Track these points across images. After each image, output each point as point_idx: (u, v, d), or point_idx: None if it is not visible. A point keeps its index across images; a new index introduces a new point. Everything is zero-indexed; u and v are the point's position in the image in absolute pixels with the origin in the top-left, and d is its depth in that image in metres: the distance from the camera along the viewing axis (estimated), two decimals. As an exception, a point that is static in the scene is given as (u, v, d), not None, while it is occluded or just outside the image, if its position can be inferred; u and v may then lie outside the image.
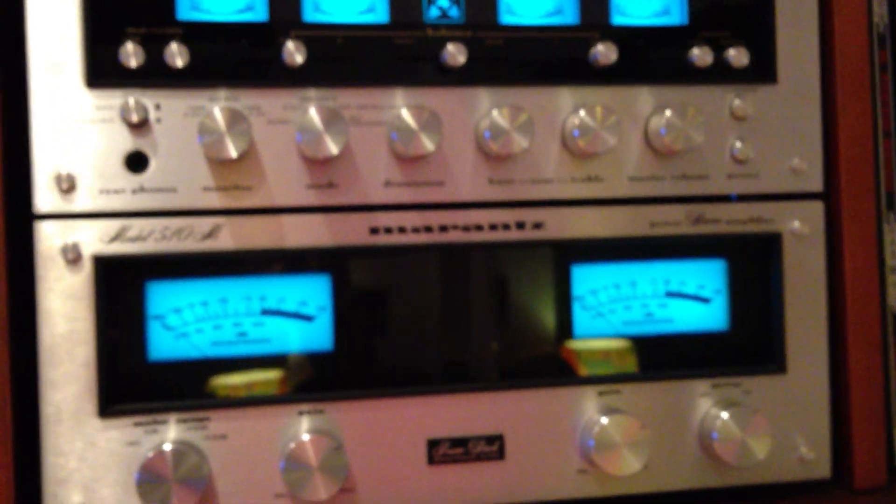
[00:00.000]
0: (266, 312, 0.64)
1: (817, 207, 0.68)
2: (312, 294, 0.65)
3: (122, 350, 0.61)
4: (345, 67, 0.63)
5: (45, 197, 0.59)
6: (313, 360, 0.64)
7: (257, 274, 0.64)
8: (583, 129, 0.63)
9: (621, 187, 0.66)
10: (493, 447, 0.65)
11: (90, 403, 0.59)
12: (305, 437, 0.61)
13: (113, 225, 0.60)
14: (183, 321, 0.63)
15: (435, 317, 0.65)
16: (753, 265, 0.69)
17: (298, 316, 0.65)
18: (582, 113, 0.63)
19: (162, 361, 0.63)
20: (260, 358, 0.64)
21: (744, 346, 0.69)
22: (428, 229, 0.64)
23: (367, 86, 0.63)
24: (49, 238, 0.59)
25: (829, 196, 0.69)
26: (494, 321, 0.66)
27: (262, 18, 0.62)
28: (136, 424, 0.60)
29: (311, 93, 0.62)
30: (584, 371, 0.67)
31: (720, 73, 0.67)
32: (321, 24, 0.63)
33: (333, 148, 0.59)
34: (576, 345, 0.67)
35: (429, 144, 0.60)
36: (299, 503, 0.61)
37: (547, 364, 0.67)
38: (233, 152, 0.57)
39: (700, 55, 0.66)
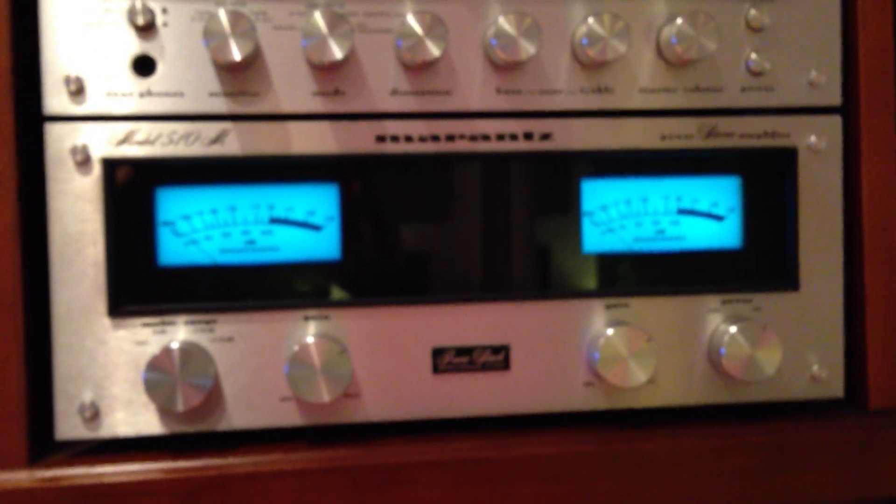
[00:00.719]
0: (274, 221, 0.65)
1: (835, 122, 0.67)
2: (320, 203, 0.65)
3: (132, 254, 0.62)
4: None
5: (54, 99, 0.60)
6: (321, 268, 0.65)
7: (266, 182, 0.64)
8: (592, 36, 0.62)
9: (632, 99, 0.65)
10: (498, 357, 0.65)
11: (100, 303, 0.61)
12: (309, 339, 0.61)
13: (121, 128, 0.60)
14: (192, 228, 0.64)
15: (441, 227, 0.65)
16: (768, 181, 0.67)
17: (306, 225, 0.65)
18: (591, 20, 0.62)
19: (172, 266, 0.63)
20: (268, 266, 0.64)
21: (757, 265, 0.68)
22: (435, 138, 0.63)
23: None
24: (58, 140, 0.60)
25: (848, 110, 0.67)
26: (501, 233, 0.66)
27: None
28: (145, 325, 0.61)
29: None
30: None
31: (737, -18, 0.65)
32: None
33: (338, 52, 0.59)
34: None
35: (434, 50, 0.60)
36: (304, 406, 0.62)
37: (555, 277, 0.67)
38: (237, 55, 0.58)
39: (716, -37, 0.64)
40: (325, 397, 0.61)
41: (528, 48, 0.61)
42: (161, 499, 0.58)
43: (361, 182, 0.65)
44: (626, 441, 0.64)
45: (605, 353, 0.64)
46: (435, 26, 0.60)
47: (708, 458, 0.63)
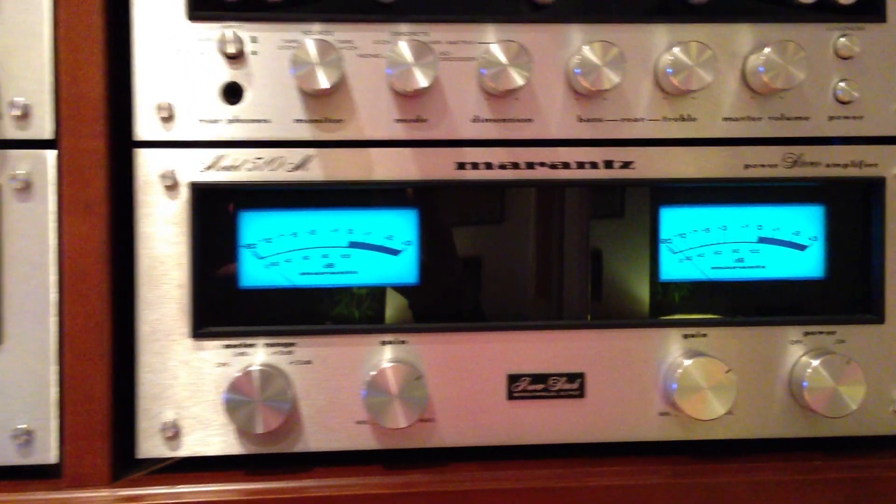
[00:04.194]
0: (353, 245, 0.65)
1: (924, 152, 0.65)
2: (399, 228, 0.65)
3: (215, 275, 0.63)
4: (436, 3, 0.62)
5: (145, 125, 0.61)
6: (398, 292, 0.65)
7: (345, 207, 0.65)
8: (677, 65, 0.61)
9: (715, 128, 0.65)
10: (573, 385, 0.65)
11: (183, 324, 0.62)
12: (387, 364, 0.62)
13: (208, 153, 0.61)
14: (273, 251, 0.65)
15: (518, 254, 0.65)
16: (852, 210, 0.66)
17: (385, 249, 0.66)
18: (676, 50, 0.61)
19: (252, 288, 0.64)
20: (346, 289, 0.65)
21: (841, 295, 0.67)
22: (515, 166, 0.63)
23: (458, 21, 0.62)
24: (148, 165, 0.61)
25: (937, 141, 0.65)
26: (578, 260, 0.66)
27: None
28: (226, 346, 0.62)
29: (403, 27, 0.62)
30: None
31: (825, 11, 0.64)
32: (413, -41, 0.63)
33: (423, 80, 0.59)
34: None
35: (518, 79, 0.60)
36: (379, 430, 0.63)
37: (631, 305, 0.66)
38: (324, 82, 0.58)
39: (804, -9, 0.63)
40: (402, 422, 0.61)
41: (612, 78, 0.60)
42: None
43: (441, 208, 0.65)
44: (701, 474, 0.63)
45: (683, 383, 0.63)
46: (520, 55, 0.60)
47: (786, 494, 0.62)
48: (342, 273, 0.65)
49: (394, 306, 0.65)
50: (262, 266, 0.65)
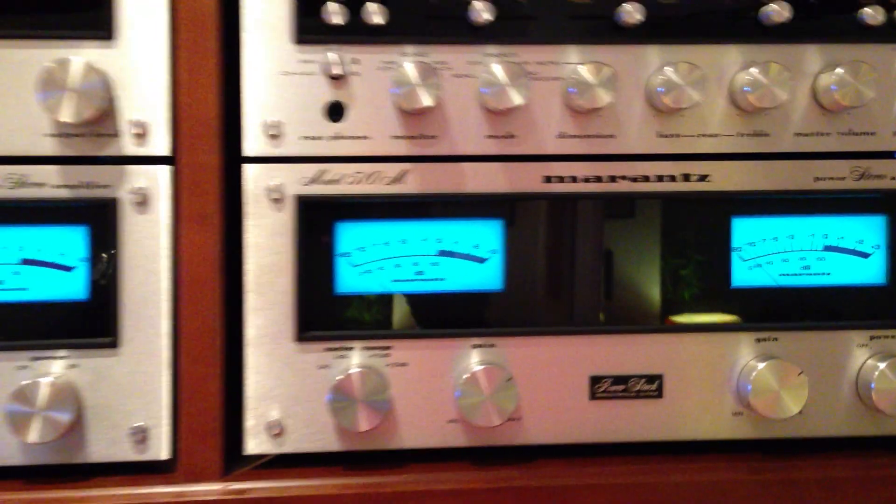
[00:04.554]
0: (442, 253, 0.69)
1: (985, 166, 0.69)
2: (485, 238, 0.69)
3: (314, 282, 0.67)
4: (524, 25, 0.66)
5: (253, 142, 0.65)
6: (484, 298, 0.69)
7: (435, 217, 0.69)
8: (755, 85, 0.65)
9: (787, 142, 0.68)
10: (652, 386, 0.68)
11: (288, 328, 0.66)
12: (480, 367, 0.65)
13: (312, 168, 0.66)
14: (367, 259, 0.69)
15: (598, 262, 0.69)
16: (916, 221, 0.70)
17: (471, 258, 0.70)
18: (754, 70, 0.65)
19: (347, 294, 0.68)
20: (435, 295, 0.69)
21: (903, 301, 0.71)
22: (598, 179, 0.67)
23: (545, 43, 0.66)
24: (256, 179, 0.65)
25: None
26: (654, 268, 0.70)
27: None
28: (327, 349, 0.66)
29: (494, 49, 0.66)
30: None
31: (891, 32, 0.67)
32: (501, -15, 0.66)
33: (517, 99, 0.63)
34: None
35: (606, 97, 0.64)
36: (469, 428, 0.67)
37: (705, 310, 0.70)
38: (427, 101, 0.62)
39: (871, 14, 0.67)
40: (495, 421, 0.65)
41: (693, 96, 0.64)
42: None
43: (526, 218, 0.69)
44: (776, 470, 0.67)
45: (758, 385, 0.67)
46: (606, 75, 0.64)
47: (858, 489, 0.66)
48: (432, 280, 0.69)
49: (481, 311, 0.69)
50: (356, 273, 0.69)
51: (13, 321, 0.65)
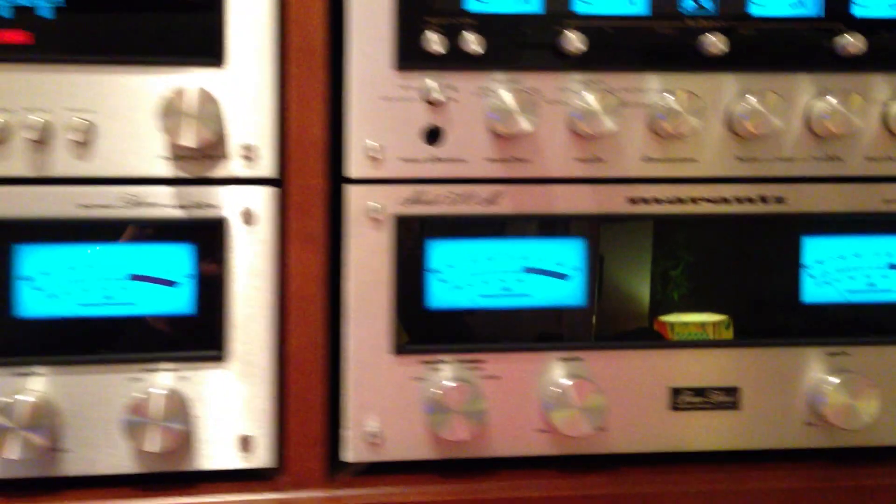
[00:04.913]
0: (528, 270, 0.73)
1: None
2: (568, 256, 0.73)
3: (408, 298, 0.70)
4: (611, 54, 0.70)
5: (355, 164, 0.68)
6: (568, 314, 0.73)
7: (521, 236, 0.72)
8: (832, 112, 0.69)
9: (858, 166, 0.72)
10: (730, 398, 0.72)
11: (386, 342, 0.69)
12: (569, 381, 0.69)
13: (411, 190, 0.69)
14: (456, 275, 0.72)
15: (678, 279, 0.73)
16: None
17: (555, 274, 0.73)
18: (831, 99, 0.69)
19: (438, 309, 0.72)
20: (521, 310, 0.72)
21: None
22: (680, 200, 0.71)
23: (631, 71, 0.70)
24: (358, 200, 0.68)
25: None
26: (730, 285, 0.73)
27: (536, 10, 0.70)
28: (423, 362, 0.70)
29: (581, 76, 0.69)
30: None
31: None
32: (590, 16, 0.70)
33: (609, 124, 0.67)
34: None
35: (694, 122, 0.67)
36: (557, 437, 0.70)
37: (778, 325, 0.74)
38: (526, 126, 0.66)
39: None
40: (586, 431, 0.68)
41: (776, 123, 0.68)
42: None
43: (608, 237, 0.72)
44: (849, 478, 0.70)
45: (833, 398, 0.70)
46: (694, 103, 0.67)
47: (926, 497, 0.69)
48: (518, 295, 0.72)
49: (565, 326, 0.73)
50: (446, 289, 0.72)
51: (123, 334, 0.68)
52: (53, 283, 0.68)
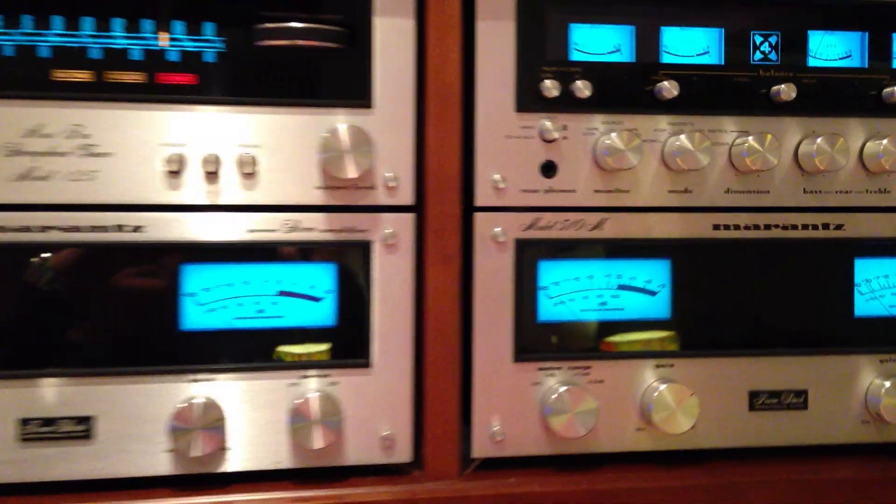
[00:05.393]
0: (621, 287, 0.83)
1: None
2: (656, 274, 0.83)
3: (524, 312, 0.80)
4: (694, 99, 0.81)
5: (482, 194, 0.78)
6: (654, 325, 0.83)
7: (616, 258, 0.82)
8: (886, 152, 0.81)
9: (904, 198, 0.84)
10: (800, 399, 0.83)
11: (507, 351, 0.79)
12: (664, 385, 0.79)
13: (529, 217, 0.79)
14: (561, 291, 0.82)
15: (751, 294, 0.84)
16: None
17: (644, 291, 0.84)
18: (886, 142, 0.81)
19: (546, 322, 0.82)
20: (617, 322, 0.83)
21: None
22: (756, 227, 0.82)
23: (712, 114, 0.81)
24: (485, 226, 0.78)
25: None
26: (798, 300, 0.84)
27: (628, 59, 0.81)
28: (539, 369, 0.79)
29: (671, 119, 0.80)
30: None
31: None
32: (676, 65, 0.81)
33: (704, 161, 0.78)
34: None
35: (773, 160, 0.79)
36: (654, 435, 0.80)
37: (836, 336, 0.85)
38: (634, 161, 0.76)
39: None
40: (683, 429, 0.79)
41: (840, 161, 0.80)
42: None
43: (692, 259, 0.83)
44: (904, 468, 0.81)
45: (886, 399, 0.82)
46: (772, 143, 0.79)
47: (971, 482, 0.81)
48: (613, 310, 0.83)
49: (654, 336, 0.83)
50: (552, 304, 0.82)
51: (277, 345, 0.76)
52: (212, 299, 0.76)
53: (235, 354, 0.75)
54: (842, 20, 0.82)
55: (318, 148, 0.73)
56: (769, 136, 0.79)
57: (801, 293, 0.84)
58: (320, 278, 0.77)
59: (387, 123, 0.76)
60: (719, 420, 0.81)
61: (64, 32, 0.73)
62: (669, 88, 0.79)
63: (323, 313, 0.78)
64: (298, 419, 0.73)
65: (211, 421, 0.72)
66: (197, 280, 0.75)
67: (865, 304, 0.86)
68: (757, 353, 0.83)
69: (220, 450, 0.73)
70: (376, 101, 0.76)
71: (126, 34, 0.73)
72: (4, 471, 0.71)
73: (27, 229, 0.71)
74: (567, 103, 0.79)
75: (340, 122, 0.75)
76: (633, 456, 0.81)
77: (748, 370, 0.82)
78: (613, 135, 0.77)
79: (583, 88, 0.78)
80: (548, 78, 0.78)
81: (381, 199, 0.76)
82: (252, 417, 0.74)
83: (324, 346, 0.77)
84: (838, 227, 0.83)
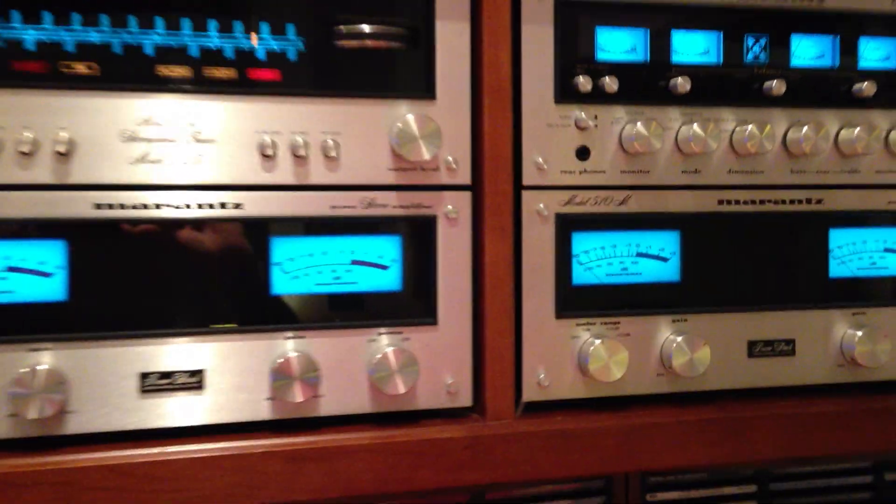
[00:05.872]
0: (639, 255, 0.98)
1: None
2: (668, 243, 0.98)
3: (563, 276, 0.93)
4: (699, 93, 0.96)
5: (528, 174, 0.91)
6: (666, 288, 0.97)
7: (634, 229, 0.97)
8: (858, 138, 0.97)
9: (871, 177, 1.00)
10: (789, 347, 0.99)
11: (550, 309, 0.92)
12: (680, 336, 0.94)
13: (567, 194, 0.92)
14: (589, 259, 0.96)
15: (749, 259, 0.99)
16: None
17: (659, 258, 0.98)
18: (857, 129, 0.97)
19: (579, 286, 0.95)
20: (634, 285, 0.97)
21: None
22: (753, 202, 0.97)
23: (709, 105, 0.96)
24: (530, 202, 0.91)
25: None
26: (787, 264, 1.00)
27: (642, 59, 0.95)
28: (577, 325, 0.93)
29: (683, 110, 0.95)
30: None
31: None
32: (684, 65, 0.96)
33: (713, 145, 0.92)
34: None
35: (768, 146, 0.94)
36: (674, 378, 0.94)
37: (817, 293, 1.01)
38: (658, 145, 0.90)
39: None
40: (699, 372, 0.93)
41: (822, 145, 0.95)
42: (605, 439, 0.89)
43: (699, 229, 0.98)
44: (876, 402, 0.98)
45: (859, 347, 0.98)
46: (769, 131, 0.94)
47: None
48: (633, 274, 0.97)
49: (665, 297, 0.98)
50: (582, 269, 0.96)
51: (352, 307, 0.88)
52: (294, 266, 0.87)
53: (319, 315, 0.86)
54: (816, 26, 0.98)
55: (394, 134, 0.85)
56: (768, 126, 0.94)
57: (788, 258, 0.99)
58: (387, 249, 0.89)
59: (447, 113, 0.88)
60: (724, 365, 0.96)
61: (166, 32, 0.82)
62: (683, 84, 0.93)
63: (390, 279, 0.89)
64: (381, 369, 0.85)
65: (308, 373, 0.83)
66: (283, 250, 0.86)
67: (838, 266, 1.02)
68: (753, 308, 0.98)
69: (314, 397, 0.84)
70: (439, 93, 0.88)
71: (220, 34, 0.84)
72: (129, 418, 0.80)
73: (144, 206, 0.81)
74: (597, 96, 0.92)
75: (408, 112, 0.86)
76: (654, 398, 0.95)
77: (746, 323, 0.97)
78: (639, 123, 0.91)
79: (611, 84, 0.91)
80: (581, 74, 0.91)
81: (444, 178, 0.88)
82: (338, 369, 0.85)
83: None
84: (818, 201, 0.99)
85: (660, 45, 0.95)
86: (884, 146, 1.00)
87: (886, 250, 1.04)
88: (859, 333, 0.98)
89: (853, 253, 1.03)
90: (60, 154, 0.78)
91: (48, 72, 0.79)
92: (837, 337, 1.00)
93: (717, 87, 0.96)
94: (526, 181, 0.90)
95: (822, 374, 0.99)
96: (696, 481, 1.16)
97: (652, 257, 0.97)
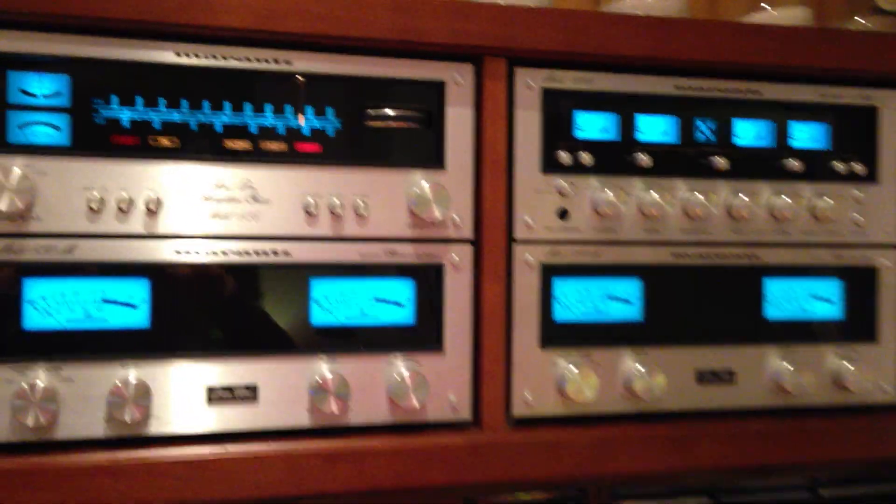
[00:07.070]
0: (608, 298, 1.19)
1: (899, 251, 1.26)
2: (632, 289, 1.19)
3: (546, 314, 1.15)
4: (659, 166, 1.18)
5: (518, 230, 1.12)
6: (631, 325, 1.19)
7: (604, 276, 1.18)
8: (786, 206, 1.19)
9: (800, 237, 1.23)
10: (731, 377, 1.20)
11: (535, 341, 1.13)
12: (642, 367, 1.15)
13: (550, 248, 1.13)
14: (567, 300, 1.17)
15: (699, 303, 1.20)
16: None
17: (624, 300, 1.20)
18: (784, 197, 1.20)
19: (559, 322, 1.16)
20: (604, 323, 1.18)
21: None
22: (701, 256, 1.19)
23: (666, 176, 1.18)
24: (520, 253, 1.12)
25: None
26: (729, 307, 1.22)
27: (613, 138, 1.18)
28: (557, 355, 1.14)
29: (645, 180, 1.17)
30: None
31: None
32: (647, 143, 1.18)
33: (670, 210, 1.15)
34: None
35: (714, 210, 1.16)
36: (633, 399, 1.15)
37: (754, 331, 1.23)
38: (622, 209, 1.12)
39: None
40: (654, 397, 1.14)
41: (758, 211, 1.18)
42: (579, 448, 1.10)
43: (658, 278, 1.19)
44: (805, 424, 1.19)
45: (788, 377, 1.20)
46: (715, 199, 1.16)
47: None
48: (603, 313, 1.18)
49: (633, 332, 1.19)
50: (560, 308, 1.17)
51: (375, 336, 1.08)
52: (330, 302, 1.08)
53: (348, 343, 1.07)
54: (755, 112, 1.21)
55: (412, 197, 1.06)
56: (713, 194, 1.17)
57: (730, 302, 1.21)
58: (403, 290, 1.10)
59: (454, 180, 1.09)
60: (677, 390, 1.17)
61: (232, 113, 1.04)
62: (645, 159, 1.15)
63: (406, 315, 1.10)
64: (398, 388, 1.05)
65: (341, 389, 1.03)
66: (321, 289, 1.07)
67: (771, 310, 1.24)
68: (701, 343, 1.19)
69: (345, 409, 1.04)
70: (448, 164, 1.09)
71: (274, 114, 1.05)
72: (198, 424, 1.00)
73: (213, 253, 1.01)
74: (575, 168, 1.14)
75: (423, 179, 1.08)
76: (620, 416, 1.16)
77: (695, 356, 1.18)
78: (608, 191, 1.13)
79: (587, 158, 1.14)
80: (563, 150, 1.13)
81: (450, 233, 1.09)
82: (363, 387, 1.06)
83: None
84: (755, 256, 1.21)
85: (627, 127, 1.17)
86: (809, 212, 1.22)
87: (813, 297, 1.25)
88: (789, 366, 1.19)
89: (784, 299, 1.25)
90: (150, 210, 0.98)
91: (140, 144, 1.00)
92: (771, 368, 1.21)
93: (673, 162, 1.18)
94: (517, 236, 1.12)
95: (758, 398, 1.20)
96: (657, 493, 1.37)
97: (619, 300, 1.19)
